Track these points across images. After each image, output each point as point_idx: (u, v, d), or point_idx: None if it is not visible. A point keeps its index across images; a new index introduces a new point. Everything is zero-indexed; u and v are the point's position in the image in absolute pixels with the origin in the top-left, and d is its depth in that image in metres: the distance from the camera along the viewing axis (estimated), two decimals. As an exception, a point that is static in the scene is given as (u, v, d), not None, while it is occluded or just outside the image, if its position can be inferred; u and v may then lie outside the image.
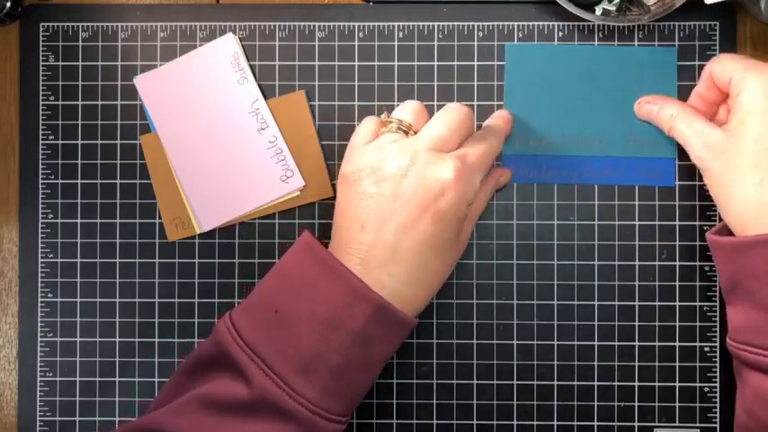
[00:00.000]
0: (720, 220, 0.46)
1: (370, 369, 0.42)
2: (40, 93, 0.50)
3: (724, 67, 0.45)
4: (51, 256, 0.50)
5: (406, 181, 0.41)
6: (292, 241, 0.49)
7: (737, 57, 0.45)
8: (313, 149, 0.50)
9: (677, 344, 0.49)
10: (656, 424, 0.49)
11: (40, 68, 0.50)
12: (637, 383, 0.49)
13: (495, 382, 0.50)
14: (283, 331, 0.39)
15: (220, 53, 0.49)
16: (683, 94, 0.49)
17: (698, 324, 0.49)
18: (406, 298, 0.41)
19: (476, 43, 0.50)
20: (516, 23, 0.50)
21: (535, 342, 0.49)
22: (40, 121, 0.50)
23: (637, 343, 0.49)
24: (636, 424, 0.49)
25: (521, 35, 0.50)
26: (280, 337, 0.39)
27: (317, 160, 0.49)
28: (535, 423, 0.49)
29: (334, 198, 0.48)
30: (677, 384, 0.49)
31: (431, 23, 0.50)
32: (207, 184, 0.49)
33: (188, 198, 0.49)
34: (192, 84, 0.49)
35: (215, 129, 0.49)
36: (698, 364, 0.49)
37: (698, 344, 0.49)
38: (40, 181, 0.50)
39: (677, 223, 0.50)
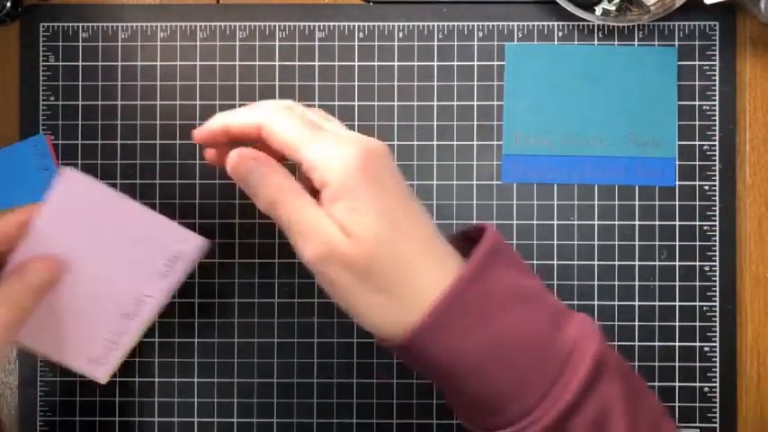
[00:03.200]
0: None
1: None
2: (40, 93, 0.50)
3: (285, 139, 0.35)
4: (51, 256, 0.50)
5: None
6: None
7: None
8: None
9: (677, 344, 0.49)
10: (656, 424, 0.49)
11: (40, 68, 0.50)
12: (637, 383, 0.49)
13: (495, 382, 0.50)
14: None
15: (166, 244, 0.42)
16: (684, 94, 0.49)
17: (698, 324, 0.49)
18: None
19: (476, 43, 0.50)
20: (516, 23, 0.50)
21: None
22: (40, 121, 0.50)
23: (637, 343, 0.49)
24: (636, 424, 0.49)
25: (521, 35, 0.50)
26: None
27: None
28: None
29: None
30: (677, 384, 0.49)
31: (431, 23, 0.50)
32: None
33: None
34: (106, 231, 0.41)
35: (92, 271, 0.41)
36: (698, 365, 0.49)
37: (698, 344, 0.49)
38: (40, 181, 0.50)
39: (677, 223, 0.50)
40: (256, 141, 0.38)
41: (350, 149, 0.34)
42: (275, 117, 0.36)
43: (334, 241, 0.33)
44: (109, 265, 0.41)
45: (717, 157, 0.50)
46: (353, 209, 0.33)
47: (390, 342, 0.35)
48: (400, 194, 0.35)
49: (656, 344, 0.49)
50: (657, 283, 0.49)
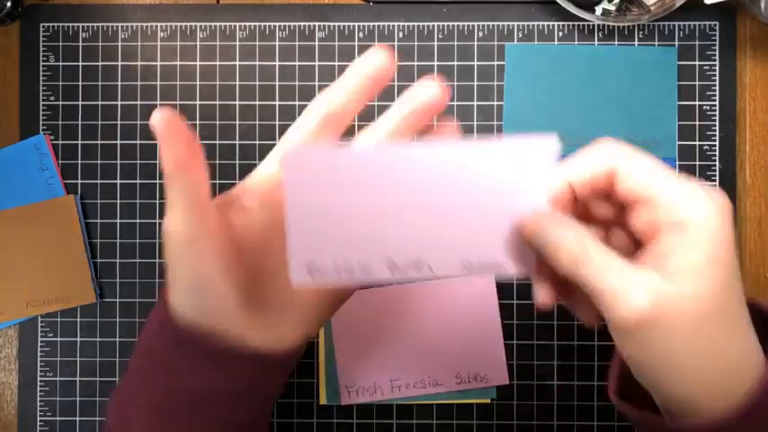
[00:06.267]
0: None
1: (198, 410, 0.32)
2: (41, 93, 0.50)
3: (649, 179, 0.31)
4: (51, 256, 0.50)
5: None
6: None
7: (665, 170, 0.31)
8: (78, 256, 0.49)
9: (677, 344, 0.49)
10: (656, 424, 0.49)
11: (40, 68, 0.50)
12: (637, 383, 0.49)
13: (495, 381, 0.50)
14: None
15: None
16: (684, 94, 0.49)
17: (698, 324, 0.49)
18: None
19: (476, 43, 0.50)
20: (516, 23, 0.50)
21: (535, 342, 0.49)
22: (41, 121, 0.50)
23: (637, 343, 0.49)
24: (636, 424, 0.49)
25: (521, 35, 0.50)
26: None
27: (82, 267, 0.50)
28: (535, 423, 0.49)
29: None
30: (677, 384, 0.49)
31: (431, 23, 0.50)
32: None
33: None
34: None
35: None
36: (698, 364, 0.49)
37: (698, 344, 0.49)
38: (41, 181, 0.50)
39: (677, 223, 0.49)
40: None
41: (718, 199, 0.30)
42: (628, 159, 0.32)
43: (667, 292, 0.28)
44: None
45: (717, 157, 0.50)
46: (712, 258, 0.29)
47: (699, 423, 0.30)
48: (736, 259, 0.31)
49: (656, 344, 0.49)
50: (657, 283, 0.49)
